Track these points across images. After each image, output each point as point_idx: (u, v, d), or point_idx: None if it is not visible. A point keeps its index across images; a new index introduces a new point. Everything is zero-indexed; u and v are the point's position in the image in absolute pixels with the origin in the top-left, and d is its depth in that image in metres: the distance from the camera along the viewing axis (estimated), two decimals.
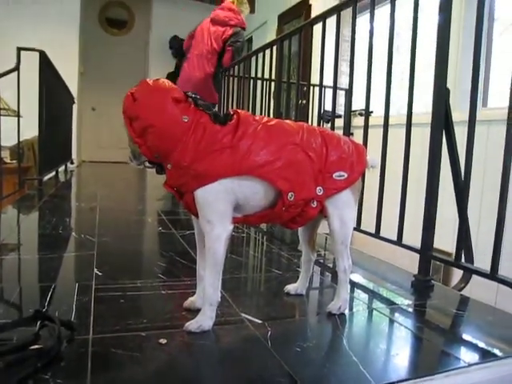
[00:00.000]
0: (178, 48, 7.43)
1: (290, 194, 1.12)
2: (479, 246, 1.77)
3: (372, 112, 4.38)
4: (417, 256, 1.62)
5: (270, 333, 1.11)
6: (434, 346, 1.13)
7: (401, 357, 1.05)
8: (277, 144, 1.12)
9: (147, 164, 1.14)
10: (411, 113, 1.72)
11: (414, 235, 1.66)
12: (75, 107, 6.32)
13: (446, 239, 2.18)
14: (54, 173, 4.74)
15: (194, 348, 1.01)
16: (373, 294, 1.52)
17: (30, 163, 4.71)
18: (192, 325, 1.09)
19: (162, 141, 1.05)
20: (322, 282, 1.62)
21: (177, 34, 7.20)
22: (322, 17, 2.33)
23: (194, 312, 1.18)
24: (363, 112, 4.67)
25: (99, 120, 7.56)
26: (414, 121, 1.72)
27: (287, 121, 1.24)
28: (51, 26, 6.06)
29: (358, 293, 1.52)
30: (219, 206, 1.07)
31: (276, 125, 1.17)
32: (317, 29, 2.52)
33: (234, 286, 1.46)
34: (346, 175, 1.21)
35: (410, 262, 2.07)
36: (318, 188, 1.18)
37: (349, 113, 2.45)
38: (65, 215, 2.65)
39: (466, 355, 1.06)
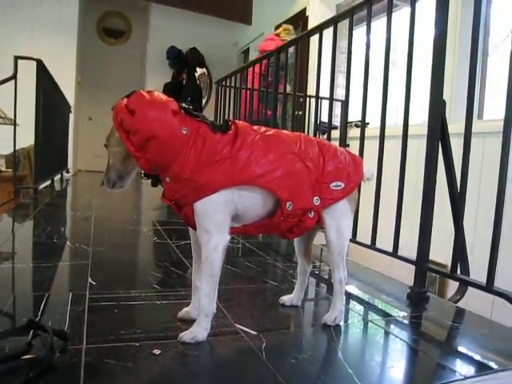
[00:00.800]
0: (175, 58, 7.50)
1: (288, 203, 1.12)
2: (475, 257, 1.77)
3: (368, 123, 4.43)
4: (413, 268, 1.62)
5: (264, 344, 1.10)
6: (430, 358, 1.12)
7: (396, 369, 1.04)
8: (275, 153, 1.12)
9: (143, 177, 1.13)
10: (407, 124, 1.73)
11: (410, 246, 1.66)
12: (72, 116, 6.33)
13: (441, 251, 2.18)
14: (49, 181, 4.73)
15: (188, 359, 1.00)
16: (368, 306, 1.52)
17: (26, 172, 4.70)
18: (186, 335, 1.08)
19: (162, 153, 1.04)
20: (317, 294, 1.62)
21: (174, 44, 7.25)
22: (319, 28, 2.36)
23: (189, 323, 1.17)
24: (359, 123, 4.71)
25: (96, 129, 7.55)
26: (409, 132, 1.73)
27: (285, 131, 1.25)
28: (49, 35, 6.09)
29: (354, 304, 1.51)
30: (218, 216, 1.07)
31: (274, 135, 1.17)
32: (313, 40, 2.54)
33: (229, 296, 1.45)
34: (342, 185, 1.21)
35: (407, 274, 2.07)
36: (315, 198, 1.18)
37: (345, 124, 2.46)
38: (60, 224, 2.64)
39: (462, 368, 1.05)
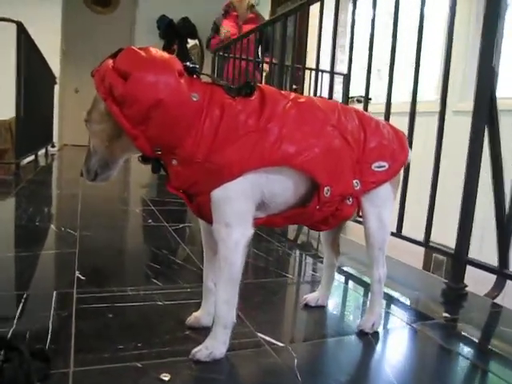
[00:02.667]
0: (166, 28, 7.12)
1: (326, 188, 0.89)
2: None
3: (371, 99, 4.20)
4: (419, 251, 1.42)
5: (296, 361, 0.89)
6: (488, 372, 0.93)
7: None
8: (312, 126, 0.89)
9: (141, 160, 0.89)
10: (415, 101, 1.52)
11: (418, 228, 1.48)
12: (57, 88, 5.98)
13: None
14: (33, 156, 4.43)
15: None
16: (402, 306, 1.32)
17: (8, 145, 4.39)
18: (201, 352, 0.86)
19: (169, 128, 0.79)
20: (345, 290, 1.40)
21: (165, 12, 6.88)
22: None
23: (200, 331, 0.96)
24: (361, 99, 4.46)
25: (82, 102, 7.08)
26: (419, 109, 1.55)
27: (319, 98, 1.01)
28: (32, 3, 5.68)
29: (387, 303, 1.31)
30: (241, 205, 0.84)
31: (308, 102, 0.94)
32: (313, 10, 2.29)
33: (243, 295, 1.23)
34: (386, 166, 0.99)
35: (411, 258, 1.89)
36: (354, 181, 0.96)
37: (346, 101, 2.24)
38: (43, 204, 2.38)
39: None
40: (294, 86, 3.54)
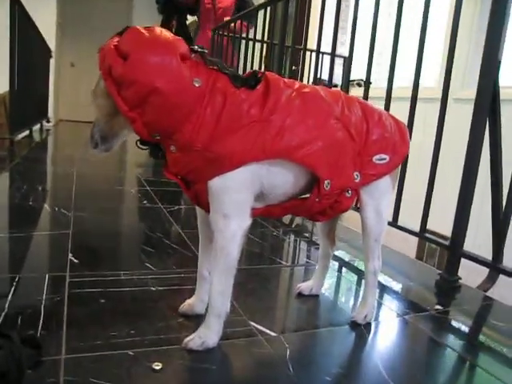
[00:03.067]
0: (165, 3, 6.97)
1: (326, 181, 0.88)
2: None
3: (371, 83, 4.15)
4: (413, 238, 1.42)
5: (288, 351, 0.89)
6: (476, 366, 0.93)
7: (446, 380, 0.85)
8: (316, 118, 0.87)
9: (139, 145, 0.87)
10: (448, 86, 1.48)
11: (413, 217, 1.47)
12: (52, 62, 5.88)
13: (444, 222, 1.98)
14: (27, 132, 4.38)
15: (197, 376, 0.79)
16: (396, 297, 1.32)
17: (2, 120, 4.33)
18: (194, 341, 0.86)
19: (167, 114, 0.77)
20: (338, 279, 1.40)
21: None
22: None
23: (193, 318, 0.96)
24: (361, 82, 4.40)
25: (78, 76, 7.07)
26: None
27: (323, 87, 0.99)
28: None
29: (381, 294, 1.31)
30: (240, 196, 0.83)
31: (312, 92, 0.91)
32: None
33: (236, 282, 1.23)
34: (387, 158, 0.98)
35: (404, 245, 1.88)
36: (354, 173, 0.95)
37: (347, 82, 2.21)
38: (37, 182, 2.36)
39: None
40: (294, 67, 3.50)
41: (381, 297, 1.26)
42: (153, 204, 2.08)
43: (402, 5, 1.64)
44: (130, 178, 2.97)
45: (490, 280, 1.52)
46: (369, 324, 1.06)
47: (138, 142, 0.87)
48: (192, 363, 0.82)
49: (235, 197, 0.83)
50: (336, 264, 1.49)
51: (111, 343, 0.85)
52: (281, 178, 0.87)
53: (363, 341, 0.99)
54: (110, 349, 0.83)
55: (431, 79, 3.98)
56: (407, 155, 1.05)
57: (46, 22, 5.56)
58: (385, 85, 1.72)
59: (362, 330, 1.03)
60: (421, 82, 1.58)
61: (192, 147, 0.80)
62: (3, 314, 0.92)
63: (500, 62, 1.31)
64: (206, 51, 0.84)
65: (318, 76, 3.80)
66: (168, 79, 0.75)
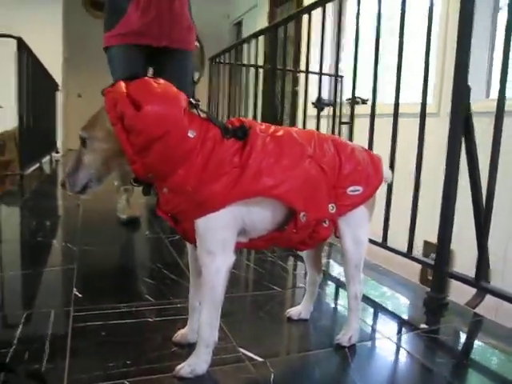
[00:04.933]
0: None
1: (302, 214, 0.96)
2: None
3: (367, 100, 4.24)
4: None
5: (273, 376, 0.96)
6: None
7: None
8: (289, 158, 0.96)
9: (133, 182, 0.96)
10: (425, 104, 1.55)
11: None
12: (60, 94, 6.08)
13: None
14: (37, 165, 4.54)
15: None
16: (384, 317, 1.38)
17: (13, 155, 4.49)
18: (184, 369, 0.94)
19: (165, 160, 0.87)
20: (327, 303, 1.47)
21: None
22: (322, 3, 2.14)
23: (186, 347, 1.04)
24: (359, 100, 4.49)
25: (85, 106, 7.22)
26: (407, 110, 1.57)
27: (295, 128, 1.08)
28: (32, 10, 5.78)
29: (368, 314, 1.37)
30: (223, 234, 0.92)
31: (286, 135, 1.00)
32: (314, 13, 2.34)
33: (229, 309, 1.30)
34: (361, 190, 1.06)
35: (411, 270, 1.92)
36: (330, 205, 1.03)
37: (353, 101, 2.27)
38: (46, 217, 2.46)
39: None
40: (295, 88, 3.60)
41: (367, 317, 1.33)
42: (154, 234, 2.17)
43: (403, 25, 1.68)
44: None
45: (479, 296, 1.57)
46: (353, 346, 1.12)
47: (132, 180, 0.95)
48: None
49: (218, 235, 0.92)
50: (326, 287, 1.56)
51: (109, 374, 0.93)
52: (260, 215, 0.96)
53: (346, 362, 1.06)
54: (108, 379, 0.91)
55: (429, 95, 4.06)
56: (379, 186, 1.12)
57: (54, 57, 5.79)
58: (386, 102, 1.76)
59: (345, 353, 1.09)
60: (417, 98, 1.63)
61: (183, 189, 0.89)
62: (12, 349, 1.01)
63: (470, 88, 1.39)
64: (200, 103, 0.94)
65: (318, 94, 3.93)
66: (172, 130, 0.85)
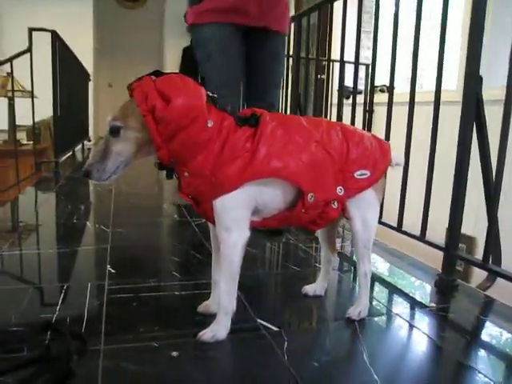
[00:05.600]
0: None
1: (310, 194, 1.05)
2: (506, 243, 1.66)
3: (394, 88, 4.24)
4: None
5: (286, 343, 1.06)
6: (458, 360, 1.06)
7: (422, 374, 0.99)
8: (296, 143, 1.05)
9: (156, 166, 1.06)
10: (440, 90, 1.58)
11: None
12: (91, 84, 6.28)
13: (466, 222, 2.03)
14: (71, 152, 4.74)
15: (207, 362, 0.98)
16: (394, 295, 1.46)
17: (47, 144, 4.71)
18: (206, 334, 1.05)
19: (187, 147, 0.97)
20: (340, 281, 1.56)
21: None
22: None
23: (209, 317, 1.14)
24: (384, 88, 4.47)
25: (116, 95, 7.47)
26: (443, 98, 1.60)
27: (306, 117, 1.17)
28: (64, 3, 5.97)
29: (379, 293, 1.46)
30: (238, 212, 1.02)
31: (294, 122, 1.09)
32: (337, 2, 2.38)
33: (249, 285, 1.41)
34: (368, 174, 1.13)
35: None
36: (338, 188, 1.11)
37: (372, 89, 2.31)
38: (80, 201, 2.63)
39: (492, 371, 0.99)
40: (320, 76, 3.63)
41: (379, 296, 1.41)
42: (182, 218, 2.30)
43: (421, 10, 1.68)
44: (162, 195, 3.21)
45: (490, 279, 1.63)
46: (363, 320, 1.21)
47: (157, 165, 1.05)
48: (204, 352, 1.01)
49: (234, 213, 1.02)
50: (341, 266, 1.65)
51: (140, 337, 1.05)
52: (271, 196, 1.05)
53: (355, 334, 1.15)
54: (139, 341, 1.03)
55: (453, 82, 4.04)
56: (386, 170, 1.19)
57: (85, 48, 5.96)
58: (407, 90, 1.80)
59: (355, 325, 1.18)
60: (449, 84, 1.65)
61: (202, 173, 0.99)
62: (55, 315, 1.14)
63: (482, 78, 1.43)
64: (216, 96, 1.04)
65: (343, 83, 3.94)
66: (195, 123, 0.95)
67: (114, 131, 0.97)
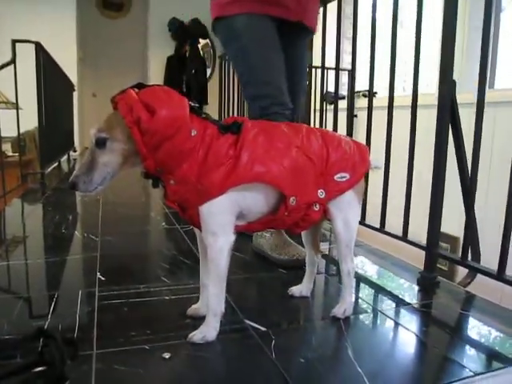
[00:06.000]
0: (177, 30, 7.33)
1: (292, 198, 1.09)
2: (486, 242, 1.73)
3: (376, 93, 4.33)
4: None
5: (273, 342, 1.10)
6: (440, 353, 1.10)
7: (406, 367, 1.03)
8: (278, 149, 1.09)
9: (143, 175, 1.10)
10: (416, 96, 1.65)
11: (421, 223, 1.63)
12: (75, 94, 6.27)
13: (450, 223, 2.10)
14: (56, 163, 4.73)
15: (198, 362, 1.01)
16: (378, 293, 1.51)
17: (33, 155, 4.69)
18: (196, 336, 1.08)
19: (172, 156, 1.00)
20: (326, 281, 1.61)
21: (175, 15, 7.06)
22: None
23: (198, 320, 1.17)
24: (366, 93, 4.57)
25: (101, 105, 7.46)
26: (419, 102, 1.66)
27: (287, 123, 1.21)
28: (47, 14, 5.98)
29: (363, 291, 1.51)
30: (223, 217, 1.06)
31: (274, 129, 1.14)
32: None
33: (237, 288, 1.45)
34: (348, 176, 1.18)
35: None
36: (319, 191, 1.15)
37: (352, 95, 2.38)
38: (68, 211, 2.64)
39: (473, 363, 1.04)
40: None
41: (363, 294, 1.45)
42: (170, 225, 2.33)
43: (396, 14, 1.76)
44: (149, 203, 3.22)
45: (471, 275, 1.69)
46: (348, 318, 1.25)
47: (143, 174, 1.09)
48: (194, 353, 1.04)
49: (220, 218, 1.06)
50: (325, 267, 1.69)
51: (131, 340, 1.08)
52: (254, 200, 1.09)
53: (340, 332, 1.19)
54: (130, 345, 1.06)
55: (433, 85, 4.14)
56: (366, 173, 1.24)
57: (69, 59, 5.96)
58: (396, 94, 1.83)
59: (340, 323, 1.22)
60: (426, 88, 1.73)
61: (187, 181, 1.03)
62: (47, 322, 1.17)
63: (455, 82, 1.50)
64: (198, 105, 1.08)
65: (325, 89, 4.02)
66: (179, 133, 0.99)
67: (100, 143, 0.98)
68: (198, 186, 1.02)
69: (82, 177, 0.98)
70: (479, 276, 1.60)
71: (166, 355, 1.01)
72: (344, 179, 1.18)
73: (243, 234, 1.14)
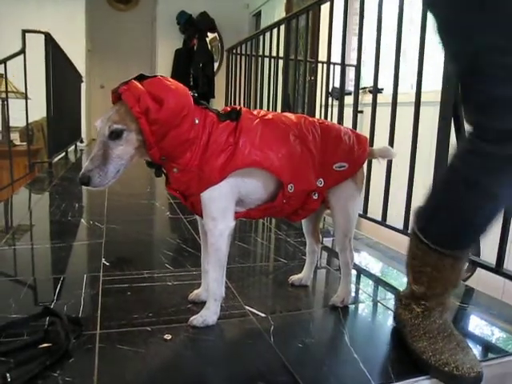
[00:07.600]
0: (186, 23, 7.34)
1: (289, 185, 1.12)
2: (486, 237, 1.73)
3: (382, 89, 4.32)
4: None
5: (272, 327, 1.13)
6: None
7: (401, 354, 1.06)
8: (276, 137, 1.11)
9: (147, 164, 1.12)
10: (420, 93, 1.67)
11: None
12: (84, 86, 6.31)
13: None
14: (64, 153, 4.77)
15: (198, 344, 1.04)
16: (377, 284, 1.53)
17: (40, 144, 4.73)
18: (196, 319, 1.11)
19: (177, 145, 1.02)
20: (327, 272, 1.63)
21: (184, 8, 7.08)
22: None
23: (199, 304, 1.20)
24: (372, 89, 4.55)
25: (108, 97, 7.40)
26: (423, 99, 1.68)
27: (286, 114, 1.23)
28: (57, 5, 6.01)
29: (363, 282, 1.53)
30: (223, 203, 1.08)
31: (274, 118, 1.16)
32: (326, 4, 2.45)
33: (239, 276, 1.48)
34: (346, 166, 1.20)
35: None
36: (318, 180, 1.17)
37: (357, 90, 2.39)
38: (74, 200, 2.68)
39: None
40: (311, 78, 3.71)
41: (362, 285, 1.48)
42: (175, 215, 2.36)
43: (402, 12, 1.78)
44: (154, 193, 3.25)
45: (470, 270, 1.70)
46: (346, 307, 1.28)
47: (147, 163, 1.11)
48: (194, 336, 1.07)
49: (220, 204, 1.08)
50: (326, 256, 1.72)
51: (133, 322, 1.11)
52: (253, 186, 1.12)
53: (337, 319, 1.21)
54: (132, 326, 1.09)
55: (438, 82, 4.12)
56: (364, 162, 1.25)
57: (78, 50, 6.00)
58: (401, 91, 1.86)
59: (338, 312, 1.25)
60: (431, 85, 1.74)
61: (190, 168, 1.05)
62: (53, 303, 1.20)
63: None
64: (197, 95, 1.10)
65: (332, 84, 4.02)
66: (185, 122, 1.01)
67: (117, 134, 0.98)
68: (200, 173, 1.05)
69: (95, 170, 0.96)
70: (480, 275, 1.62)
71: (167, 337, 1.04)
72: (343, 169, 1.20)
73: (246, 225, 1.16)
